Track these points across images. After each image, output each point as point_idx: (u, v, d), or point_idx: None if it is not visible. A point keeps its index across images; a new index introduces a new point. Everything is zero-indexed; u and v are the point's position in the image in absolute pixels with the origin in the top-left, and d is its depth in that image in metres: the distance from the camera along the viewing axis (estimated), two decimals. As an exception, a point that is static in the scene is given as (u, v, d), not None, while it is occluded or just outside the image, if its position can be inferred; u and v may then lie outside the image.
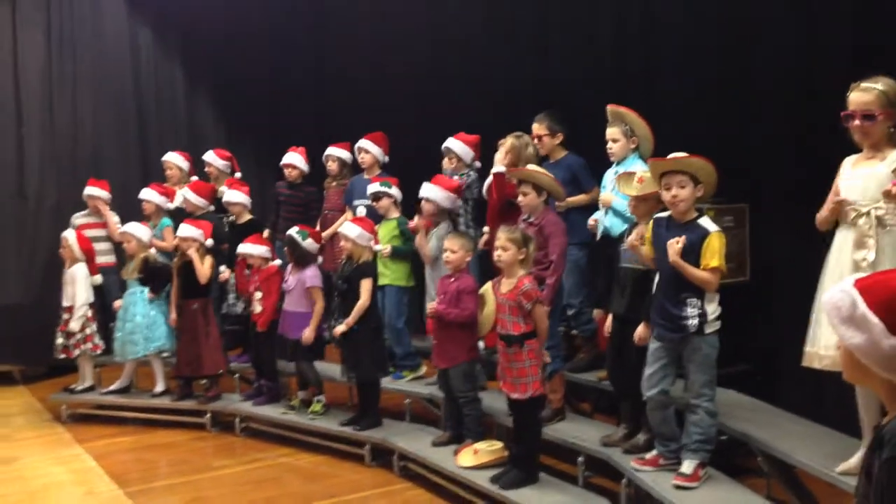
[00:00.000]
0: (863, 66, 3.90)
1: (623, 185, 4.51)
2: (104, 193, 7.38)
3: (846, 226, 3.55)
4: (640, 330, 4.33)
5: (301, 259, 5.89)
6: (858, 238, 3.45)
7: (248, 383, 6.67)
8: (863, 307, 1.76)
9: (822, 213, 3.68)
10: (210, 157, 7.46)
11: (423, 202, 5.69)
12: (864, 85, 3.44)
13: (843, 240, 3.55)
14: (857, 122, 3.45)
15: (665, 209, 4.22)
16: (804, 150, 4.82)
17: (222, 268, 6.61)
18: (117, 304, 6.66)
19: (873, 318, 1.74)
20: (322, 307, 5.84)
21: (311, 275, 5.88)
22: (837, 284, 1.86)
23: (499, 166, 5.44)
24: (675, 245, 3.97)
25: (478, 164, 5.98)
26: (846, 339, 1.79)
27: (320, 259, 6.12)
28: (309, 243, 5.86)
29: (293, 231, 5.90)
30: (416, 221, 5.81)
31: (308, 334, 5.78)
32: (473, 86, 7.37)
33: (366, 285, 5.51)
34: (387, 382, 5.86)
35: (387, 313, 5.96)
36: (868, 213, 3.43)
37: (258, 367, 6.39)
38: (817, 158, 3.81)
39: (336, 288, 5.74)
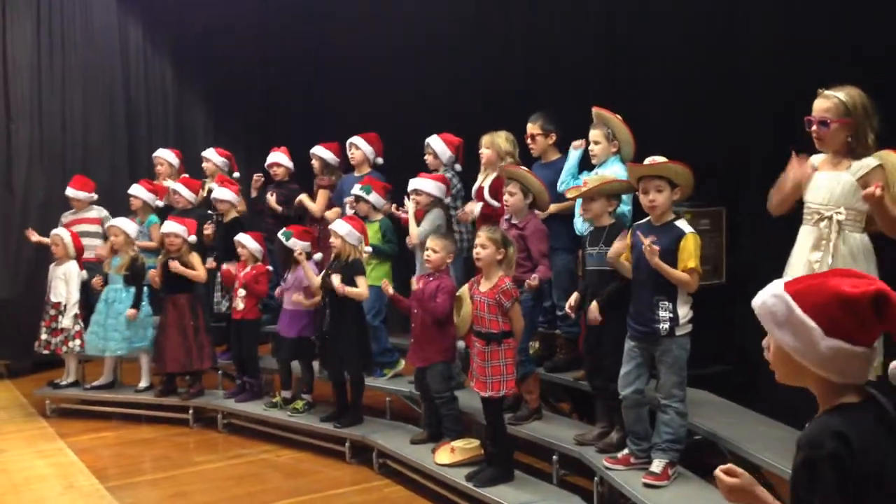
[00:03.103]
0: (843, 70, 3.95)
1: (572, 194, 4.69)
2: (83, 194, 7.29)
3: (808, 225, 3.60)
4: (592, 308, 4.44)
5: (289, 258, 5.90)
6: (817, 240, 3.52)
7: (231, 380, 6.71)
8: (798, 312, 1.81)
9: (782, 189, 3.65)
10: (210, 153, 7.45)
11: (413, 195, 5.65)
12: (826, 92, 3.49)
13: (804, 238, 3.61)
14: (813, 127, 3.52)
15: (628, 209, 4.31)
16: (781, 154, 4.84)
17: (209, 260, 6.59)
18: (96, 280, 6.57)
19: (810, 322, 1.80)
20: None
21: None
22: (765, 289, 1.90)
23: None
24: (651, 248, 4.00)
25: (458, 166, 5.94)
26: (783, 342, 1.84)
27: (319, 255, 6.07)
28: (293, 242, 5.84)
29: (279, 234, 5.92)
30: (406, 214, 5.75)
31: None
32: (465, 85, 7.39)
33: (361, 281, 5.49)
34: (368, 380, 5.90)
35: (364, 311, 5.96)
36: (830, 217, 3.49)
37: (240, 364, 6.42)
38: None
39: (323, 284, 5.72)
